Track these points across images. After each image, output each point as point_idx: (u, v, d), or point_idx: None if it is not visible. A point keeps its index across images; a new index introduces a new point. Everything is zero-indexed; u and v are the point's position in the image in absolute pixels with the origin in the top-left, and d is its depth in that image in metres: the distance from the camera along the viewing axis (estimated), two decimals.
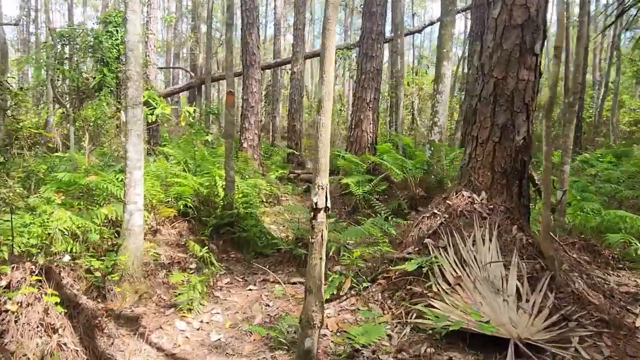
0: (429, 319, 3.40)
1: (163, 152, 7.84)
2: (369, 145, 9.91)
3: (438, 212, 4.35)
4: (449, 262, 3.84)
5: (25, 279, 2.74)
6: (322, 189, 2.45)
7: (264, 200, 8.41)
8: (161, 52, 23.02)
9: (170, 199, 5.43)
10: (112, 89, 10.95)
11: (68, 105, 9.46)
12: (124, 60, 13.28)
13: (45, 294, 2.72)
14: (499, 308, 3.39)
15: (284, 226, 7.92)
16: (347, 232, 4.81)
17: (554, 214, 5.12)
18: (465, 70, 14.84)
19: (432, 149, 8.34)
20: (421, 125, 19.73)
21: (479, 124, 4.35)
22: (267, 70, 21.79)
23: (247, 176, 9.09)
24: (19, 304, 2.66)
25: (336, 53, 15.97)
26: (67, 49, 13.02)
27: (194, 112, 5.22)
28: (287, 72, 25.53)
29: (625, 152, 13.58)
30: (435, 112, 8.31)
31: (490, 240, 3.93)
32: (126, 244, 3.91)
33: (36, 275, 2.80)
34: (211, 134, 10.51)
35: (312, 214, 2.50)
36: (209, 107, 15.56)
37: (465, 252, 3.88)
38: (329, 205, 2.51)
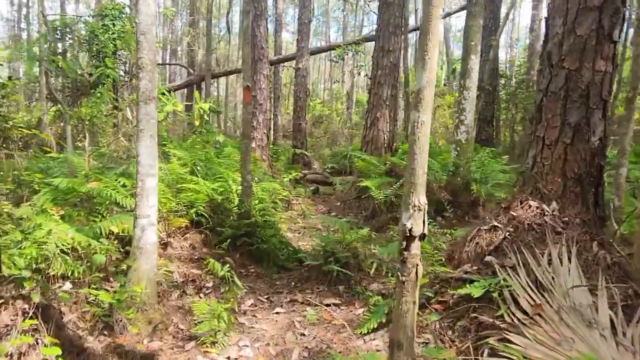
0: (508, 357, 2.81)
1: (170, 154, 7.21)
2: (385, 145, 9.31)
3: (499, 225, 3.74)
4: (522, 286, 3.24)
5: (16, 324, 2.10)
6: (419, 209, 1.84)
7: (279, 205, 7.79)
8: (158, 48, 22.29)
9: (181, 208, 4.80)
10: (110, 85, 10.29)
11: (64, 103, 8.78)
12: (120, 55, 12.71)
13: (43, 343, 2.09)
14: (598, 345, 2.80)
15: (299, 233, 7.31)
16: (389, 248, 4.20)
17: (617, 225, 4.54)
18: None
19: (459, 149, 7.74)
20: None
21: (546, 122, 3.75)
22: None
23: (257, 179, 8.47)
24: (9, 357, 2.03)
25: (344, 48, 15.36)
26: (60, 43, 12.33)
27: (209, 109, 4.59)
28: (288, 69, 24.90)
29: None
30: (462, 110, 7.71)
31: (569, 259, 3.33)
32: (137, 265, 3.28)
33: (30, 317, 2.16)
34: (223, 133, 9.87)
35: (404, 243, 1.89)
36: (212, 106, 14.91)
37: (540, 274, 3.28)
38: (425, 231, 1.90)
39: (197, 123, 4.61)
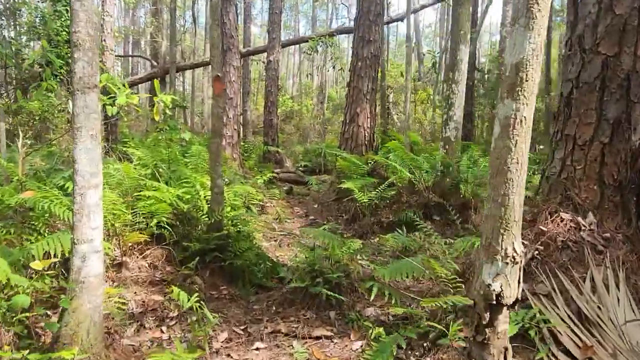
0: None
1: (126, 153, 6.36)
2: (366, 142, 8.68)
3: (525, 242, 3.14)
4: (562, 319, 2.65)
5: None
6: (513, 262, 1.17)
7: (253, 211, 7.06)
8: (119, 39, 21.00)
9: (139, 220, 4.02)
10: (61, 76, 9.30)
11: (5, 96, 7.78)
12: None
13: None
14: None
15: (275, 241, 6.60)
16: (393, 268, 3.52)
17: None
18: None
19: (447, 147, 7.18)
20: (397, 120, 18.74)
21: (577, 118, 3.17)
22: None
23: (227, 180, 7.69)
24: None
25: (317, 40, 14.64)
26: (5, 32, 11.22)
27: (172, 102, 3.81)
28: (257, 63, 24.02)
29: None
30: (450, 105, 7.15)
31: (617, 285, 2.76)
32: (77, 305, 2.51)
33: None
34: (189, 130, 9.03)
35: (487, 314, 1.23)
36: (175, 99, 13.96)
37: (583, 304, 2.69)
38: (519, 295, 1.23)
39: (157, 119, 3.83)
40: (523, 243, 3.15)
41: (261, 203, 8.00)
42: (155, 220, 4.09)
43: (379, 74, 13.11)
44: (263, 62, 23.98)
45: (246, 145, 12.61)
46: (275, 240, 6.59)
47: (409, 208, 7.07)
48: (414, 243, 5.43)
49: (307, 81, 32.52)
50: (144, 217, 4.01)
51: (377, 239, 6.68)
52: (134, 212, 3.95)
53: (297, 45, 45.37)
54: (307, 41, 16.17)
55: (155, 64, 17.50)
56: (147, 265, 4.01)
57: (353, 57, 8.77)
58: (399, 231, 5.76)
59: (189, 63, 18.02)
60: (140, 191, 4.14)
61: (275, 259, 5.50)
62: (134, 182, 4.21)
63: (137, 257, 4.01)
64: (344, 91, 34.58)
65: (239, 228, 4.90)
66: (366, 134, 8.64)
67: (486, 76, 14.89)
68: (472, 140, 11.97)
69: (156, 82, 3.92)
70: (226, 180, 7.60)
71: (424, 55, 30.94)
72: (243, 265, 4.46)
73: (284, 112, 23.40)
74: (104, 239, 2.73)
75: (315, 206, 8.72)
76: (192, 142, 7.82)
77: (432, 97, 13.96)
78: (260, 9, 42.12)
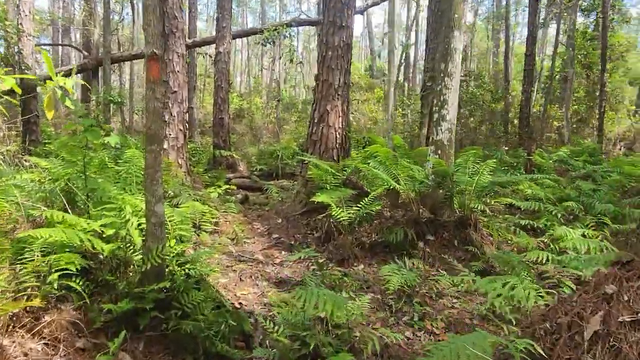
0: None
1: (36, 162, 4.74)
2: (337, 145, 7.42)
3: None
4: None
5: None
6: None
7: (205, 235, 5.63)
8: (43, 25, 18.63)
9: (29, 278, 2.54)
10: None
11: None
12: None
13: None
14: None
15: (234, 271, 5.19)
16: (447, 348, 2.23)
17: None
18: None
19: (440, 152, 6.05)
20: (353, 120, 17.70)
21: None
22: None
23: (172, 193, 6.20)
24: None
25: (273, 30, 13.23)
26: None
27: (73, 89, 2.37)
28: (204, 56, 22.24)
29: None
30: (443, 103, 6.02)
31: None
32: None
33: None
34: (112, 131, 7.42)
35: None
36: (108, 94, 12.12)
37: None
38: None
39: (49, 115, 2.38)
40: None
41: (215, 219, 6.57)
42: (55, 275, 2.62)
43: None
44: (210, 56, 22.24)
45: (194, 148, 11.04)
46: (234, 271, 5.20)
47: (395, 225, 5.89)
48: (416, 279, 4.23)
49: (256, 77, 30.99)
50: (34, 275, 2.53)
51: (362, 266, 5.45)
52: (16, 268, 2.46)
53: (245, 41, 43.73)
54: (260, 32, 14.72)
55: (86, 54, 15.46)
56: (40, 347, 2.54)
57: (321, 46, 7.47)
58: (397, 261, 4.54)
59: (127, 54, 16.09)
60: (30, 232, 2.64)
61: (237, 304, 4.14)
62: (11, 217, 2.70)
63: (23, 334, 2.53)
64: (293, 90, 33.30)
65: (189, 270, 3.49)
66: (338, 136, 7.38)
67: None
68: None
69: (45, 53, 2.44)
70: (170, 193, 6.11)
71: (378, 52, 30.19)
72: (195, 328, 3.06)
73: (235, 110, 21.79)
74: None
75: (279, 221, 7.36)
76: (128, 145, 6.26)
77: (391, 93, 12.94)
78: (205, 4, 40.02)
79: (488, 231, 5.95)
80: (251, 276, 5.07)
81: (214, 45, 13.12)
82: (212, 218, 6.34)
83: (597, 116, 16.45)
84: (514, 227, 6.15)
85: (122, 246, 3.18)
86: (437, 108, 6.09)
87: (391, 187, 5.66)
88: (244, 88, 34.47)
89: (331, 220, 6.18)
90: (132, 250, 3.30)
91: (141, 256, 3.17)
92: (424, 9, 19.29)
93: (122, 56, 15.53)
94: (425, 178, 5.72)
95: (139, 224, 3.47)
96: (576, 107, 18.13)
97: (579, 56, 17.53)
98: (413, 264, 4.78)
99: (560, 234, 4.78)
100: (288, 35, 12.56)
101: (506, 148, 14.55)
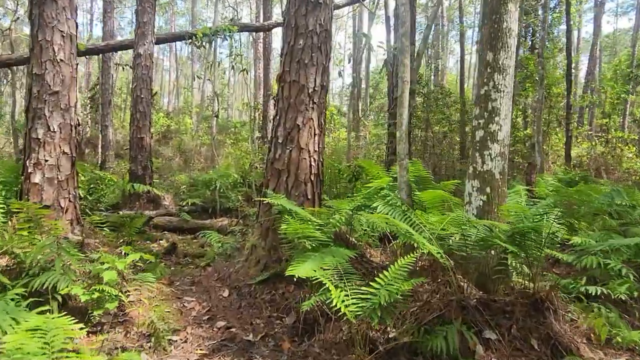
0: None
1: None
2: (312, 177, 5.02)
3: None
4: None
5: None
6: None
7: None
8: None
9: None
10: None
11: None
12: None
13: None
14: None
15: None
16: None
17: None
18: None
19: (489, 190, 3.83)
20: None
21: None
22: (94, 63, 15.27)
23: (40, 262, 3.49)
24: None
25: (210, 33, 10.68)
26: None
27: None
28: (124, 69, 19.10)
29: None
30: (492, 112, 3.86)
31: None
32: None
33: None
34: None
35: None
36: None
37: None
38: None
39: None
40: None
41: (120, 296, 3.90)
42: None
43: None
44: (131, 68, 19.09)
45: (96, 177, 8.14)
46: None
47: (427, 311, 3.55)
48: None
49: (186, 95, 28.10)
50: None
51: None
52: None
53: (175, 61, 40.40)
54: (192, 37, 12.05)
55: None
56: None
57: (288, 32, 5.09)
58: None
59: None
60: None
61: None
62: None
63: None
64: (225, 112, 30.52)
65: None
66: (313, 164, 4.98)
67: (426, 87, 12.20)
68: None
69: None
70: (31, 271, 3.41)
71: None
72: None
73: (160, 130, 18.74)
74: None
75: (225, 293, 4.76)
76: None
77: (358, 110, 10.71)
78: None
79: (571, 315, 3.76)
80: None
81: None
82: (111, 304, 3.72)
83: (564, 140, 15.35)
84: (597, 306, 4.00)
85: None
86: (480, 122, 3.89)
87: (426, 252, 3.32)
88: (172, 109, 31.25)
89: (314, 298, 3.74)
90: None
91: None
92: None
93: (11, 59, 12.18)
94: (467, 230, 3.45)
95: None
96: (529, 130, 17.06)
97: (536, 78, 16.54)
98: None
99: None
100: (228, 38, 10.09)
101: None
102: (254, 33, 19.01)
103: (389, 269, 3.28)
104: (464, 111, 14.70)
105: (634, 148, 16.92)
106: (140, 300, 4.35)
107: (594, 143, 17.36)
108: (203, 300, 4.68)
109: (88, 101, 17.73)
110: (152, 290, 4.64)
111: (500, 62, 3.85)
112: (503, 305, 3.57)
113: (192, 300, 4.67)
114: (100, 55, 14.83)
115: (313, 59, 4.96)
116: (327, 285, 3.16)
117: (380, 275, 3.28)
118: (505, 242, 3.14)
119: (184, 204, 9.68)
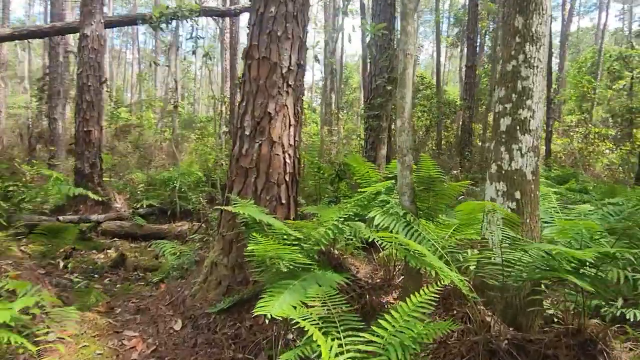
0: None
1: None
2: (287, 177, 4.06)
3: None
4: None
5: None
6: None
7: None
8: None
9: None
10: None
11: None
12: None
13: None
14: None
15: None
16: None
17: None
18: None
19: (520, 198, 2.96)
20: None
21: None
22: (40, 48, 13.78)
23: None
24: None
25: (169, 14, 9.52)
26: None
27: None
28: (76, 57, 17.57)
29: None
30: (521, 96, 2.99)
31: None
32: None
33: None
34: None
35: None
36: None
37: None
38: None
39: None
40: None
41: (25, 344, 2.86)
42: None
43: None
44: (78, 39, 17.49)
45: (15, 178, 6.97)
46: None
47: (443, 358, 2.67)
48: None
49: (148, 88, 26.62)
50: None
51: None
52: None
53: (137, 53, 38.49)
54: (149, 20, 10.83)
55: None
56: None
57: (257, 1, 4.12)
58: None
59: None
60: None
61: None
62: None
63: None
64: (192, 107, 29.33)
65: None
66: (288, 160, 4.03)
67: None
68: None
69: None
70: None
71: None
72: None
73: (117, 126, 17.33)
74: None
75: (177, 326, 3.75)
76: None
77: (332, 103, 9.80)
78: None
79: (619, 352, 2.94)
80: None
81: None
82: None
83: (544, 135, 14.86)
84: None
85: None
86: (507, 107, 3.01)
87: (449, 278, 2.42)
88: (135, 103, 29.56)
89: (296, 352, 2.80)
90: None
91: None
92: None
93: None
94: (511, 253, 2.57)
95: None
96: None
97: None
98: None
99: None
100: (195, 19, 8.97)
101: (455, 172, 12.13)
102: (221, 22, 17.82)
103: (398, 307, 2.36)
104: (440, 104, 14.03)
105: (611, 144, 16.63)
106: (63, 339, 3.32)
107: (570, 138, 17.01)
108: (149, 335, 3.66)
109: (38, 90, 16.21)
110: (82, 323, 3.60)
111: (533, 29, 2.98)
112: (543, 347, 2.72)
113: (135, 336, 3.65)
114: (48, 39, 13.41)
115: (287, 30, 4.00)
116: (319, 340, 2.22)
117: (387, 317, 2.36)
118: (575, 277, 2.26)
119: (139, 205, 8.54)
